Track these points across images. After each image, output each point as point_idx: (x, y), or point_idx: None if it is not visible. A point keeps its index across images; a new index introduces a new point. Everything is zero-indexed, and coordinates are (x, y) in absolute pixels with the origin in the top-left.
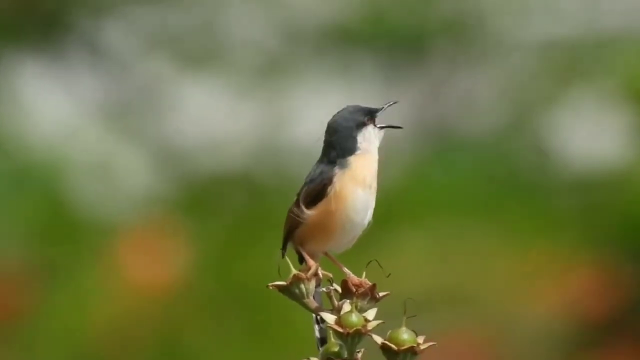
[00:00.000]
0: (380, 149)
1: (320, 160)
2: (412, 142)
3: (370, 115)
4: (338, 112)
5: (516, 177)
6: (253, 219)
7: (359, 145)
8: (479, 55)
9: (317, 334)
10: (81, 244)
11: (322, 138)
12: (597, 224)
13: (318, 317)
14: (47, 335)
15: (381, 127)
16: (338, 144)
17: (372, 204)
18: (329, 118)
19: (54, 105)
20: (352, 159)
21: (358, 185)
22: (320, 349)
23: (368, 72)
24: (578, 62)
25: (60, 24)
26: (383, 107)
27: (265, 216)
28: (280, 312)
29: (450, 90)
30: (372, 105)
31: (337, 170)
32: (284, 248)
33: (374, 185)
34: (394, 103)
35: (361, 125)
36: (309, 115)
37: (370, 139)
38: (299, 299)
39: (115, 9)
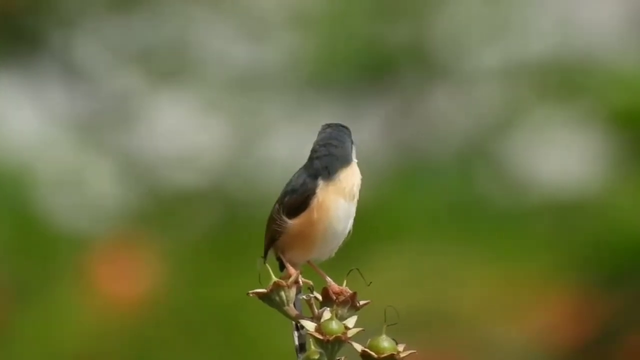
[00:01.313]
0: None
1: (304, 169)
2: (385, 163)
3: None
4: (330, 127)
5: (489, 200)
6: (224, 232)
7: (351, 157)
8: (445, 80)
9: (296, 340)
10: (52, 258)
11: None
12: (570, 247)
13: (297, 325)
14: (19, 352)
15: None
16: (328, 153)
17: (353, 215)
18: (298, 133)
19: (25, 118)
20: (341, 171)
21: (341, 196)
22: (299, 356)
23: (335, 96)
24: (547, 85)
25: (32, 36)
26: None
27: (236, 230)
28: (255, 326)
29: (419, 114)
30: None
31: (320, 181)
32: (265, 256)
33: (357, 195)
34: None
35: (350, 138)
36: (280, 130)
37: (354, 152)
38: (279, 306)
39: (86, 22)
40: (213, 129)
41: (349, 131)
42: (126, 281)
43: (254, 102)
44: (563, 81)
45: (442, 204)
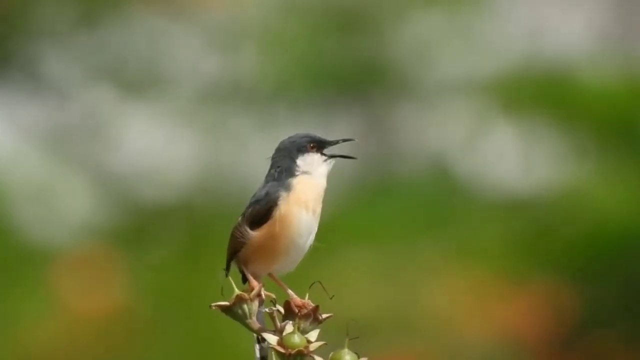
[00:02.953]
0: (328, 177)
1: (266, 179)
2: (354, 171)
3: (317, 143)
4: (289, 137)
5: (455, 202)
6: (193, 246)
7: (297, 168)
8: (411, 94)
9: (258, 353)
10: (20, 270)
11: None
12: (537, 246)
13: (259, 337)
14: None
15: (330, 156)
16: (279, 164)
17: (315, 228)
18: (268, 147)
19: None
20: (295, 182)
21: (302, 209)
22: None
23: (305, 110)
24: (513, 96)
25: (3, 50)
26: (337, 141)
27: (205, 244)
28: (221, 338)
29: (386, 127)
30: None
31: (282, 192)
32: (227, 268)
33: (318, 210)
34: (350, 140)
35: (303, 150)
36: (249, 143)
37: (311, 166)
38: (241, 319)
39: (56, 36)
40: (183, 142)
41: (304, 141)
42: (93, 294)
43: (223, 116)
44: (530, 91)
45: (407, 211)
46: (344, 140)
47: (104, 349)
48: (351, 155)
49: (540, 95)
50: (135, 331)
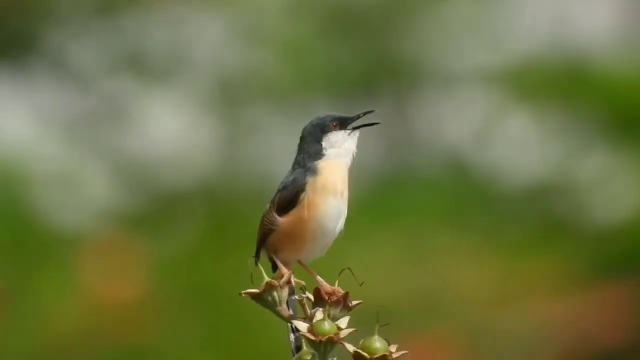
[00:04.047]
0: (354, 155)
1: (293, 167)
2: (375, 161)
3: (339, 121)
4: (310, 121)
5: (474, 191)
6: (213, 232)
7: (324, 151)
8: (431, 86)
9: (293, 342)
10: (42, 255)
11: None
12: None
13: (293, 327)
14: (9, 347)
15: (353, 129)
16: (305, 150)
17: (344, 212)
18: (289, 134)
19: (17, 118)
20: (321, 165)
21: (330, 194)
22: (295, 356)
23: (326, 99)
24: (531, 85)
25: (25, 38)
26: (359, 115)
27: (225, 230)
28: (241, 324)
29: (406, 118)
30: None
31: (308, 177)
32: (257, 255)
33: (346, 193)
34: (371, 112)
35: (326, 130)
36: (270, 132)
37: (337, 144)
38: (271, 306)
39: (79, 24)
40: (203, 129)
41: (327, 120)
42: (114, 279)
43: (243, 104)
44: (548, 80)
45: (428, 199)
46: (365, 113)
47: (126, 333)
48: (373, 145)
49: (557, 84)
50: (156, 316)
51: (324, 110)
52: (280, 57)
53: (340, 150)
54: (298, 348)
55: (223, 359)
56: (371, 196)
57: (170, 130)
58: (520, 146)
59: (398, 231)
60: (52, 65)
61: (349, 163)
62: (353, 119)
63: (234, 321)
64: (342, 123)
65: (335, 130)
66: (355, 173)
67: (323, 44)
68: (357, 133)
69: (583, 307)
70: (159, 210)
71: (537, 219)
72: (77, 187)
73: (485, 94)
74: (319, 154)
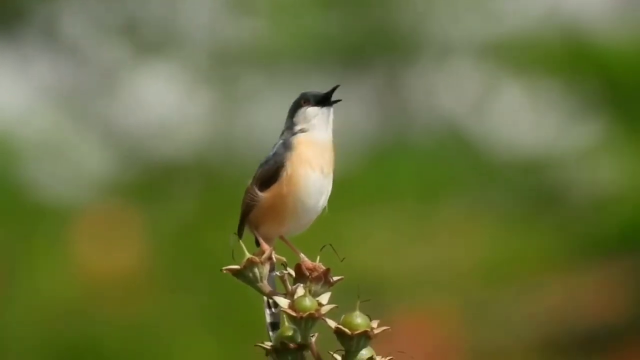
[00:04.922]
0: (333, 132)
1: (277, 141)
2: (365, 139)
3: (308, 98)
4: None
5: (467, 163)
6: (208, 204)
7: (296, 127)
8: (423, 58)
9: (268, 318)
10: (37, 228)
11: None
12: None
13: (269, 302)
14: (3, 322)
15: (322, 106)
16: (285, 126)
17: (328, 188)
18: (281, 106)
19: (8, 88)
20: (296, 141)
21: (308, 169)
22: (270, 334)
23: (319, 70)
24: (525, 55)
25: (17, 8)
26: (328, 92)
27: (219, 201)
28: (237, 296)
29: (398, 90)
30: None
31: (287, 152)
32: (240, 230)
33: (327, 168)
34: (337, 87)
35: (297, 107)
36: (264, 104)
37: (306, 119)
38: (252, 282)
39: None
40: (197, 101)
41: (298, 99)
42: (110, 250)
43: (237, 75)
44: (543, 51)
45: (420, 172)
46: (333, 89)
47: (120, 305)
48: (365, 117)
49: (553, 57)
50: (151, 288)
51: (316, 81)
52: (275, 27)
53: (310, 125)
54: (274, 325)
55: (218, 331)
56: (366, 168)
57: (164, 100)
58: (515, 118)
59: (392, 203)
60: (44, 36)
61: (327, 139)
62: (324, 95)
63: (230, 293)
64: (314, 99)
65: (305, 106)
66: (350, 145)
67: (317, 14)
68: (330, 109)
69: (578, 282)
70: (153, 181)
71: (532, 192)
72: (71, 159)
73: (481, 66)
74: (291, 130)
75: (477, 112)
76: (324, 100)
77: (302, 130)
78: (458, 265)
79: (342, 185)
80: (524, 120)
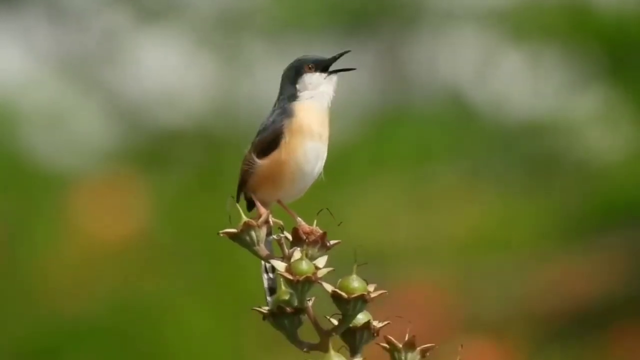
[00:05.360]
0: (333, 98)
1: (273, 108)
2: (368, 101)
3: (315, 63)
4: (290, 63)
5: (468, 130)
6: (209, 171)
7: (298, 93)
8: (424, 24)
9: (266, 283)
10: (37, 196)
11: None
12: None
13: (267, 266)
14: (4, 288)
15: (330, 72)
16: (282, 92)
17: (324, 155)
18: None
19: (10, 56)
20: (297, 108)
21: (307, 136)
22: (268, 298)
23: (320, 37)
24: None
25: None
26: (335, 57)
27: (221, 169)
28: (239, 261)
29: (399, 57)
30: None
31: (285, 119)
32: (238, 195)
33: (324, 135)
34: (347, 52)
35: (301, 72)
36: (266, 71)
37: (311, 86)
38: (249, 246)
39: None
40: (199, 68)
41: (302, 63)
42: (111, 218)
43: (239, 42)
44: (543, 18)
45: (420, 139)
46: (341, 55)
47: (122, 274)
48: (366, 86)
49: (554, 22)
50: (153, 256)
51: (319, 49)
52: None
53: (315, 93)
54: (271, 289)
55: (218, 297)
56: (366, 136)
57: (167, 68)
58: (516, 86)
59: (392, 171)
60: (45, 3)
61: (326, 106)
62: (330, 61)
63: (231, 261)
64: (318, 65)
65: (310, 72)
66: (350, 112)
67: None
68: (334, 77)
69: (577, 251)
70: (155, 149)
71: (532, 159)
72: (72, 127)
73: (482, 33)
74: (293, 97)
75: (478, 80)
76: (329, 67)
77: (304, 97)
78: (456, 233)
79: (342, 153)
80: (525, 87)
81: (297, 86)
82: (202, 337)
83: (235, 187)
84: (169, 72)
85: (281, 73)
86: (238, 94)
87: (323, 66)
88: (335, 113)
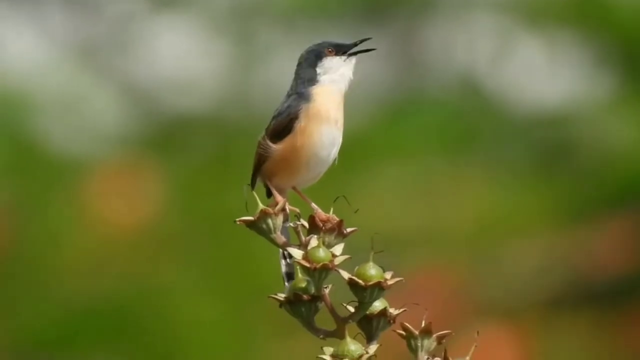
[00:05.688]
0: (351, 82)
1: (289, 93)
2: (380, 92)
3: (335, 47)
4: (306, 48)
5: (483, 117)
6: (223, 157)
7: (318, 77)
8: (440, 10)
9: (284, 269)
10: (51, 182)
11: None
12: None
13: (285, 253)
14: (20, 274)
15: (350, 54)
16: (300, 76)
17: (339, 140)
18: (296, 58)
19: (24, 41)
20: (315, 92)
21: (324, 121)
22: (286, 284)
23: (335, 24)
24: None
25: None
26: (355, 43)
27: (234, 155)
28: (251, 248)
29: (414, 43)
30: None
31: (302, 104)
32: (252, 182)
33: (341, 120)
34: (368, 39)
35: (322, 56)
36: (280, 58)
37: (332, 70)
38: (266, 234)
39: None
40: (213, 54)
41: (322, 47)
42: (125, 204)
43: (253, 29)
44: (560, 4)
45: (435, 126)
46: (362, 41)
47: (135, 259)
48: (381, 71)
49: (569, 10)
50: (165, 241)
51: (334, 35)
52: None
53: (335, 77)
54: (289, 275)
55: (231, 286)
56: (380, 122)
57: (181, 53)
58: (531, 73)
59: (406, 158)
60: None
61: (344, 90)
62: (350, 46)
63: (243, 247)
64: (338, 49)
65: (330, 56)
66: (365, 98)
67: None
68: (353, 60)
69: (590, 237)
70: (168, 135)
71: (546, 146)
72: (87, 112)
73: (499, 18)
74: (313, 80)
75: (493, 66)
76: (346, 50)
77: (324, 81)
78: (470, 219)
79: (355, 140)
80: (540, 74)
81: (318, 70)
82: (214, 323)
83: (249, 174)
84: (183, 58)
85: (296, 58)
86: (252, 80)
87: (343, 51)
88: (349, 99)
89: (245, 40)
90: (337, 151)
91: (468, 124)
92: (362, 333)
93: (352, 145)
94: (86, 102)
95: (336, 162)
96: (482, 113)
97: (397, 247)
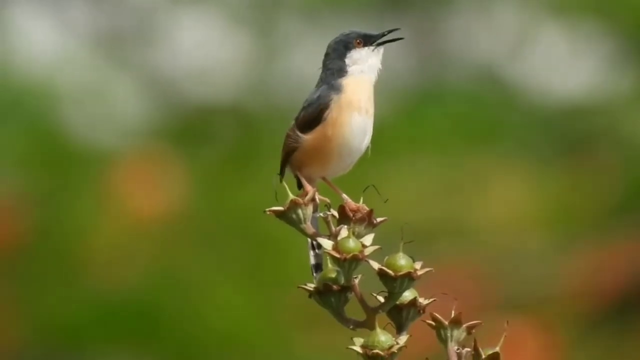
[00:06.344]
0: (379, 71)
1: (318, 84)
2: (403, 83)
3: (363, 37)
4: (334, 38)
5: (505, 109)
6: (246, 148)
7: (347, 68)
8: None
9: (312, 260)
10: (75, 172)
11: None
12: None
13: (313, 243)
14: (43, 264)
15: (378, 44)
16: (329, 67)
17: (370, 129)
18: (319, 49)
19: (47, 33)
20: (345, 82)
21: (355, 111)
22: (314, 275)
23: (355, 13)
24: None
25: None
26: (383, 33)
27: (257, 145)
28: (275, 239)
29: (436, 34)
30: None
31: (333, 94)
32: (281, 172)
33: (371, 109)
34: (396, 29)
35: (350, 47)
36: (302, 48)
37: (360, 61)
38: (296, 224)
39: None
40: (235, 44)
41: (350, 37)
42: (149, 195)
43: (274, 19)
44: None
45: (457, 117)
46: (390, 31)
47: (159, 249)
48: (403, 62)
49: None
50: (189, 232)
51: (355, 25)
52: None
53: (364, 67)
54: (318, 266)
55: (255, 276)
56: (402, 114)
57: (203, 44)
58: (553, 63)
59: (428, 150)
60: None
61: (374, 80)
62: (377, 36)
63: (267, 238)
64: (366, 40)
65: (359, 47)
66: (387, 89)
67: None
68: (381, 50)
69: (614, 234)
70: (191, 126)
71: (569, 139)
72: (109, 104)
73: (521, 7)
74: (342, 71)
75: (515, 56)
76: (373, 40)
77: (354, 72)
78: (494, 213)
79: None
80: (562, 65)
81: (347, 60)
82: (238, 313)
83: (272, 164)
84: (205, 48)
85: (317, 48)
86: (273, 70)
87: (371, 41)
88: (374, 89)
89: (267, 30)
90: (369, 140)
91: (490, 114)
92: (392, 323)
93: (377, 135)
94: (109, 93)
95: (369, 151)
96: (504, 104)
97: (423, 237)
